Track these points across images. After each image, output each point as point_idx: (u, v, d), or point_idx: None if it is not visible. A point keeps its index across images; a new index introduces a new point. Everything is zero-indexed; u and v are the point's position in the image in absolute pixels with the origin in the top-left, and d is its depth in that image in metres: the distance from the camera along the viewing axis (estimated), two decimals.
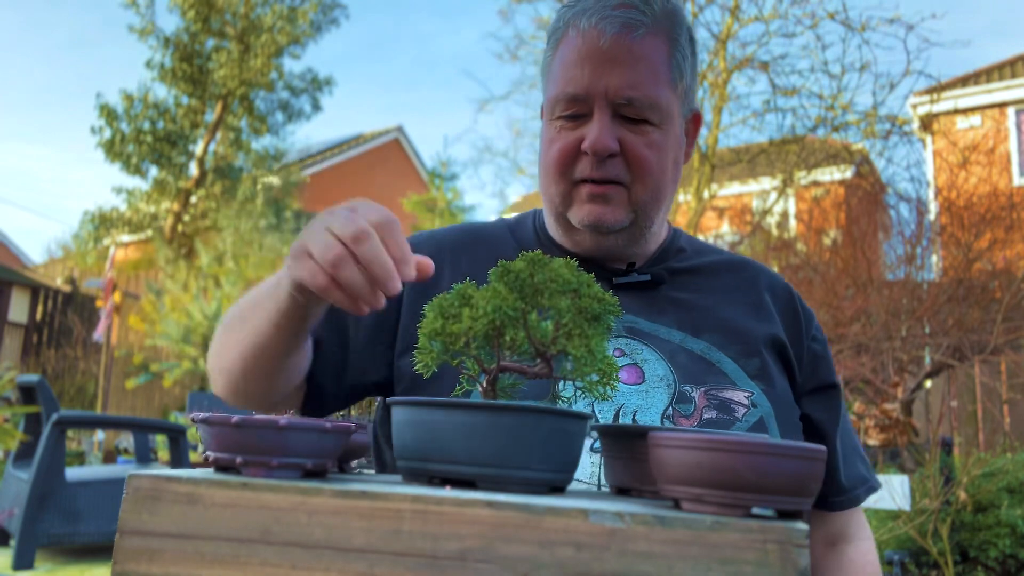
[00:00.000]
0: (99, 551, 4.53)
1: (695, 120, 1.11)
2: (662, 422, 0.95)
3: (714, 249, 1.19)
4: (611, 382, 0.61)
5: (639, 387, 0.98)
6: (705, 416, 0.96)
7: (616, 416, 0.96)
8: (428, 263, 0.74)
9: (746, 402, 0.99)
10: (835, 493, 1.10)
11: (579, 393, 0.95)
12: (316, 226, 0.74)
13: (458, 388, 0.67)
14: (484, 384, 0.62)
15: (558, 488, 0.59)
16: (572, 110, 1.00)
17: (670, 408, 0.96)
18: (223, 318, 1.05)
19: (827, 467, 1.08)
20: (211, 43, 14.33)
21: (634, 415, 0.96)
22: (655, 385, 0.98)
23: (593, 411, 0.96)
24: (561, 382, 0.93)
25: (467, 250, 1.12)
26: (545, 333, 0.60)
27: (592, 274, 1.05)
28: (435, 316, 0.61)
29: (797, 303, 1.13)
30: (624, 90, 0.97)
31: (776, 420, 0.99)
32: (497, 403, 0.55)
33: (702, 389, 0.98)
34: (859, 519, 1.15)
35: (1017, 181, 10.68)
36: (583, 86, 0.98)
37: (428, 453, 0.56)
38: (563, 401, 0.70)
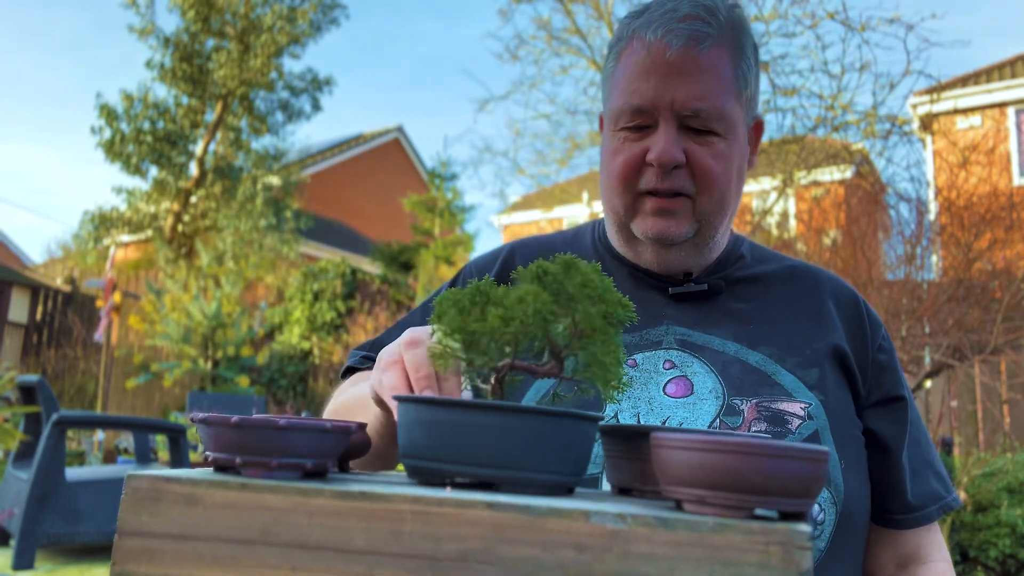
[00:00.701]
0: (99, 551, 4.53)
1: (757, 128, 1.11)
2: None
3: (776, 256, 1.17)
4: (619, 385, 0.61)
5: (687, 400, 0.97)
6: (754, 428, 0.95)
7: None
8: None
9: (802, 413, 0.96)
10: (902, 510, 1.05)
11: (610, 404, 0.96)
12: (395, 342, 0.83)
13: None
14: (493, 382, 0.61)
15: (570, 490, 0.59)
16: (636, 121, 1.00)
17: (717, 420, 0.95)
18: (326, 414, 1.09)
19: (893, 483, 1.04)
20: (211, 43, 14.33)
21: (679, 426, 0.95)
22: (703, 398, 0.97)
23: (639, 421, 0.95)
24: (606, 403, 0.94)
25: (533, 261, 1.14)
26: (560, 333, 0.60)
27: (648, 284, 1.08)
28: (456, 313, 0.60)
29: (863, 311, 1.10)
30: (691, 102, 0.97)
31: (832, 433, 0.97)
32: (521, 405, 0.54)
33: (753, 401, 0.96)
34: (934, 539, 1.09)
35: (1017, 181, 10.69)
36: (648, 98, 0.98)
37: (445, 454, 0.55)
38: (561, 402, 0.69)
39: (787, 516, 0.49)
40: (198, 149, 14.28)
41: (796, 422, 0.96)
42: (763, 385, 0.98)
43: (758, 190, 9.37)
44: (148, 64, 13.87)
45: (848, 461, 0.97)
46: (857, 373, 1.05)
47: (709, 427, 0.94)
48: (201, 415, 0.56)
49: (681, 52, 0.97)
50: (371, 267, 14.39)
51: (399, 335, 1.17)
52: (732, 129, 1.01)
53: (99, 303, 9.39)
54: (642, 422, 0.95)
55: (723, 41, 0.99)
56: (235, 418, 0.55)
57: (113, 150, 13.56)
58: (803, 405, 0.97)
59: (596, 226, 1.20)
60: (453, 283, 1.19)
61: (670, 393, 0.97)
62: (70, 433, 7.50)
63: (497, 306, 0.59)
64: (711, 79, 0.98)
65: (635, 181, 1.01)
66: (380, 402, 0.83)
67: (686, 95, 0.97)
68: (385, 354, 0.81)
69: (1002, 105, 11.16)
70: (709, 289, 1.06)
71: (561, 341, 0.60)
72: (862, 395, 1.05)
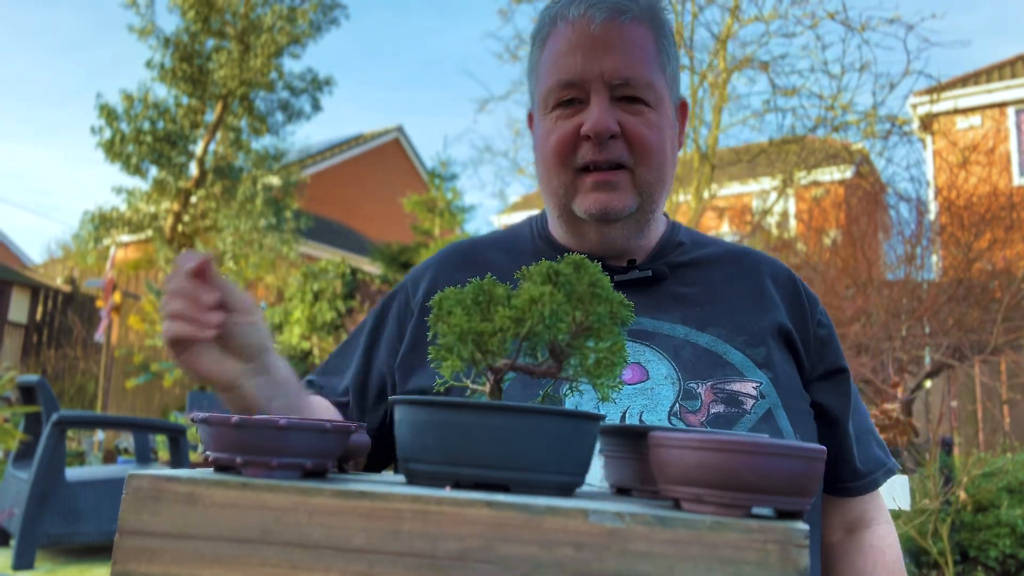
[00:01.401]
0: (99, 551, 4.53)
1: (683, 108, 1.13)
2: (669, 420, 0.95)
3: (713, 241, 1.19)
4: (616, 384, 0.61)
5: (643, 385, 0.98)
6: (712, 411, 0.96)
7: (623, 418, 0.95)
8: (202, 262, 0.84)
9: (755, 393, 0.98)
10: (851, 478, 1.09)
11: (579, 394, 0.96)
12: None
13: (439, 383, 0.65)
14: (491, 382, 0.61)
15: (572, 489, 0.59)
16: (568, 95, 1.01)
17: (676, 405, 0.96)
18: None
19: (842, 452, 1.08)
20: (211, 43, 14.32)
21: (640, 415, 0.95)
22: (660, 383, 0.98)
23: (598, 411, 0.96)
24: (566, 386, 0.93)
25: (459, 270, 1.13)
26: (564, 333, 0.60)
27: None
28: (464, 314, 0.59)
29: (800, 289, 1.13)
30: (621, 70, 0.99)
31: (784, 409, 0.99)
32: (530, 406, 0.54)
33: (708, 384, 0.98)
34: (878, 503, 1.14)
35: (1017, 181, 10.68)
36: (578, 71, 1.00)
37: (458, 457, 0.54)
38: (551, 402, 0.69)
39: (784, 514, 0.49)
40: (198, 149, 14.27)
41: (750, 402, 0.97)
42: (716, 367, 0.99)
43: (758, 190, 9.37)
44: (148, 64, 13.86)
45: (802, 435, 1.00)
46: (801, 348, 1.07)
47: (669, 412, 0.96)
48: (202, 415, 0.57)
49: (605, 24, 0.99)
50: (371, 267, 14.38)
51: (341, 358, 1.16)
52: (660, 101, 1.03)
53: (99, 303, 9.39)
54: (601, 410, 0.95)
55: (643, 16, 1.02)
56: (236, 418, 0.55)
57: (113, 150, 13.54)
58: (755, 384, 0.99)
59: (535, 221, 1.20)
60: (392, 297, 1.18)
61: (626, 379, 0.98)
62: (70, 433, 7.49)
63: (503, 306, 0.59)
64: (636, 50, 1.00)
65: (572, 157, 1.02)
66: (174, 344, 0.85)
67: (614, 65, 0.99)
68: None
69: (1002, 105, 11.15)
70: (654, 275, 1.07)
71: (564, 341, 0.60)
72: (807, 369, 1.08)
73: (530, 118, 1.14)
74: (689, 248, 1.13)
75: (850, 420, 1.10)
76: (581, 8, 1.00)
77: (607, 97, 1.00)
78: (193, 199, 14.28)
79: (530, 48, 1.10)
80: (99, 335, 8.71)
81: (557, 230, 1.12)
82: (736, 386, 0.98)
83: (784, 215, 8.77)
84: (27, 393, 4.89)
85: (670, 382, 0.98)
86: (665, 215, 1.17)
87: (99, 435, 7.61)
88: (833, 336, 1.13)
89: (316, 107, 15.09)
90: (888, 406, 4.53)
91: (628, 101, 1.01)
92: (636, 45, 1.00)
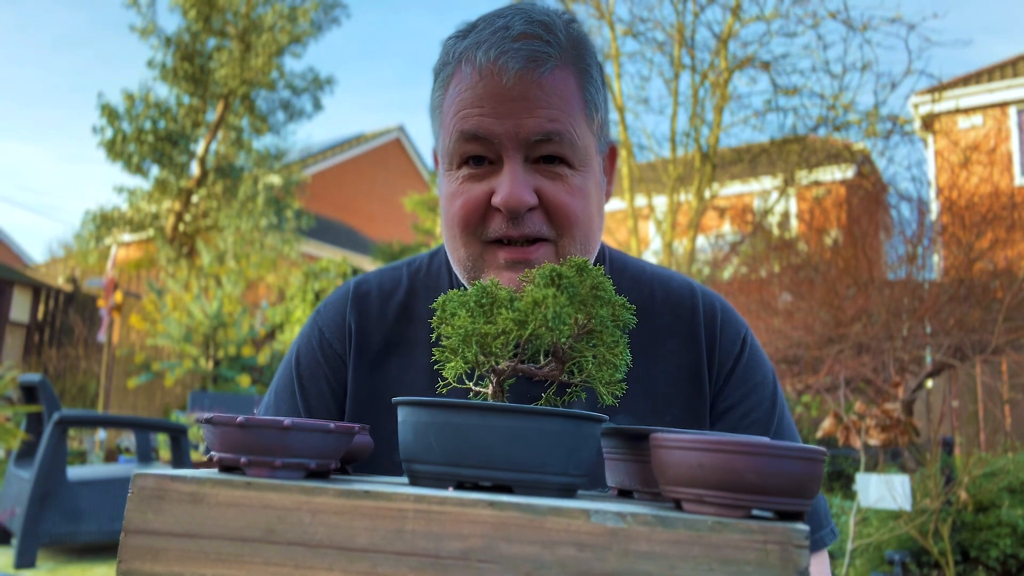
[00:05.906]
0: (100, 550, 4.54)
1: (612, 154, 0.99)
2: None
3: (627, 277, 1.03)
4: (617, 388, 0.61)
5: None
6: None
7: None
8: None
9: None
10: None
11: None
12: None
13: (440, 385, 0.65)
14: (495, 384, 0.61)
15: (574, 490, 0.60)
16: (475, 151, 0.87)
17: None
18: None
19: None
20: (212, 42, 14.33)
21: None
22: None
23: None
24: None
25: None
26: (566, 335, 0.60)
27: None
28: (468, 316, 0.60)
29: (699, 321, 0.99)
30: (541, 126, 0.85)
31: None
32: (534, 408, 0.54)
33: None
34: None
35: (1019, 181, 10.67)
36: (485, 127, 0.85)
37: (461, 458, 0.55)
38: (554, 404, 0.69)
39: (784, 515, 0.49)
40: (199, 148, 14.28)
41: None
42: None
43: (759, 190, 9.37)
44: (149, 64, 13.87)
45: None
46: (707, 389, 0.96)
47: None
48: (206, 415, 0.57)
49: (520, 76, 0.84)
50: (372, 267, 14.39)
51: (276, 405, 1.01)
52: (586, 161, 0.89)
53: (100, 302, 9.40)
54: None
55: (565, 61, 0.87)
56: (240, 418, 0.55)
57: (115, 150, 13.55)
58: None
59: (455, 279, 1.03)
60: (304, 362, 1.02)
61: None
62: (71, 432, 7.50)
63: (506, 308, 0.59)
64: (558, 102, 0.86)
65: (481, 228, 0.88)
66: None
67: (533, 123, 0.85)
68: None
69: (1003, 105, 11.14)
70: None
71: (566, 343, 0.60)
72: (715, 408, 0.97)
73: (435, 157, 0.99)
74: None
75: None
76: (492, 54, 0.85)
77: (522, 160, 0.86)
78: (194, 198, 14.29)
79: (432, 82, 0.94)
80: (100, 335, 8.72)
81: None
82: None
83: (785, 215, 8.77)
84: (29, 392, 4.90)
85: None
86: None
87: (100, 434, 7.61)
88: (741, 370, 0.98)
89: (317, 106, 15.10)
90: (889, 406, 4.52)
91: (547, 162, 0.87)
92: (558, 96, 0.85)
